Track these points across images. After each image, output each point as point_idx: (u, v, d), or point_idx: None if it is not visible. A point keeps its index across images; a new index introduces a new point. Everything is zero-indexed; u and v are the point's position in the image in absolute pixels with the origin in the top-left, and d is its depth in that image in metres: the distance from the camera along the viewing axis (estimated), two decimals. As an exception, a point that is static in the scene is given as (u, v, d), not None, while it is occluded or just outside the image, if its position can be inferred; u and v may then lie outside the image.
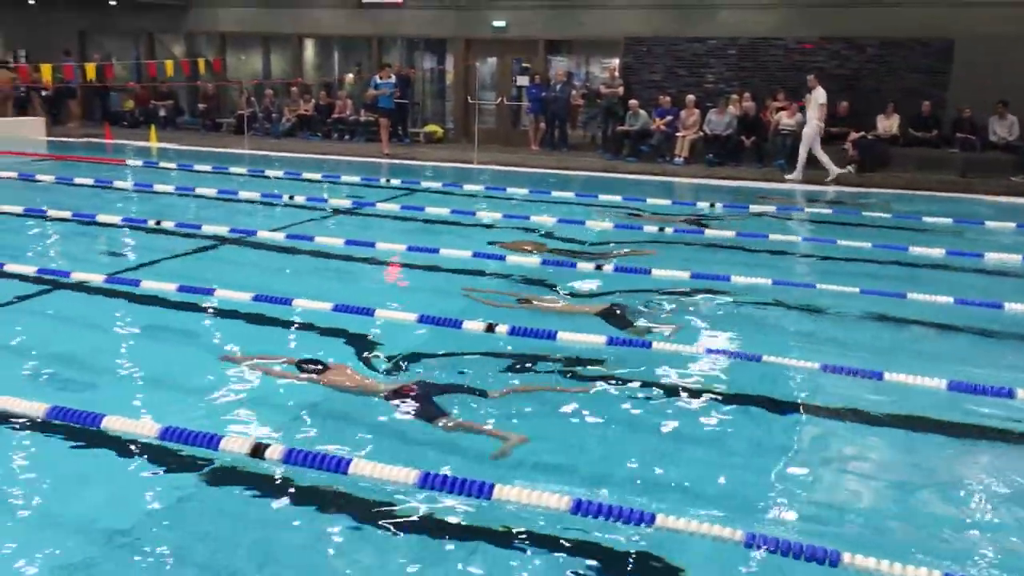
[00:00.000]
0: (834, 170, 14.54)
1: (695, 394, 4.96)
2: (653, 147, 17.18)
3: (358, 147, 18.27)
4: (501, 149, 18.04)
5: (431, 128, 19.89)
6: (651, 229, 9.75)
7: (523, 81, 19.14)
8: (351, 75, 20.97)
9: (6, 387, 4.69)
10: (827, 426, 4.69)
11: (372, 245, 8.47)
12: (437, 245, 8.35)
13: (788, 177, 14.67)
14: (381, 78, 16.87)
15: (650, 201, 11.87)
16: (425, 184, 13.18)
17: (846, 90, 16.65)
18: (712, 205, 11.75)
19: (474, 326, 5.90)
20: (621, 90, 17.64)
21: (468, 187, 12.93)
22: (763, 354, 5.40)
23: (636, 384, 5.10)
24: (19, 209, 9.92)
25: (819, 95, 14.52)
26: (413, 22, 19.82)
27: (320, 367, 5.13)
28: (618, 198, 11.97)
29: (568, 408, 4.75)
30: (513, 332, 5.79)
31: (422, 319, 6.03)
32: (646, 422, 4.62)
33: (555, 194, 12.22)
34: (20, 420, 4.32)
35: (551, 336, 5.72)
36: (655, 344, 5.62)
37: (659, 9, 17.81)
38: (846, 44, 16.77)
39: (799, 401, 4.93)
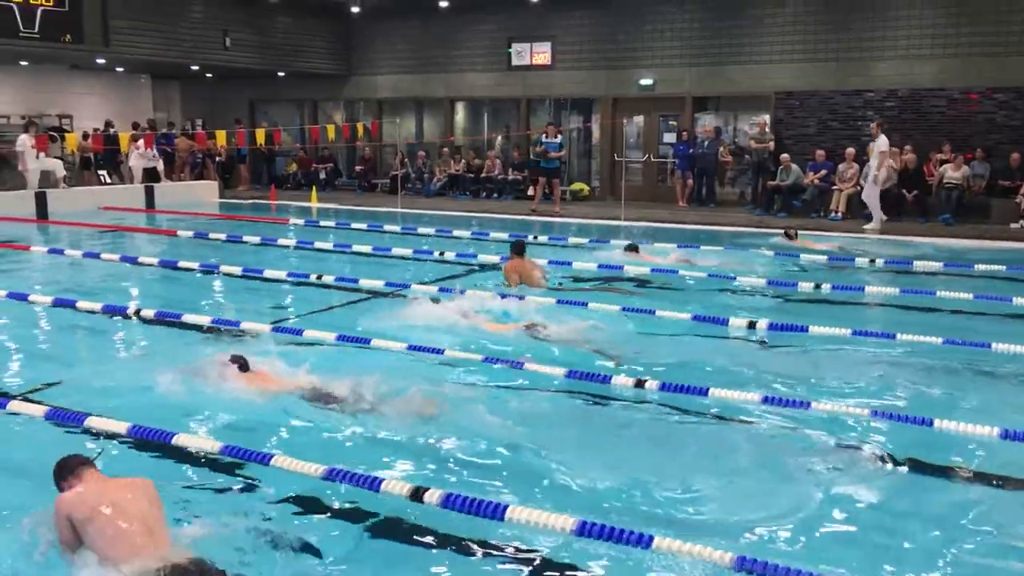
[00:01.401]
0: (879, 222, 14.46)
1: (864, 458, 4.74)
2: (806, 202, 16.74)
3: (506, 205, 18.67)
4: (648, 206, 18.02)
5: (577, 186, 20.12)
6: (806, 287, 9.46)
7: (670, 138, 19.14)
8: (499, 136, 21.54)
9: (184, 426, 5.01)
10: (1005, 497, 4.37)
11: (521, 298, 8.59)
12: (585, 299, 8.39)
13: (867, 227, 14.50)
14: (547, 137, 17.23)
15: (804, 258, 11.53)
16: (572, 240, 13.30)
17: (1018, 142, 15.76)
18: (872, 261, 11.31)
19: (622, 381, 5.88)
20: (772, 144, 17.36)
21: (615, 243, 12.95)
22: (935, 418, 5.12)
23: (802, 445, 4.92)
24: (195, 264, 10.66)
25: (880, 143, 14.40)
26: (562, 82, 20.26)
27: (241, 364, 5.55)
28: (770, 254, 11.70)
29: (725, 465, 4.64)
30: (664, 388, 5.73)
31: (570, 374, 6.05)
32: (815, 483, 4.44)
33: (704, 248, 12.07)
34: (195, 456, 4.60)
35: (704, 392, 5.62)
36: (815, 404, 5.42)
37: (813, 63, 17.49)
38: (1016, 93, 15.91)
39: (974, 469, 4.62)
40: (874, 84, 16.99)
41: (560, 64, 20.18)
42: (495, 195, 20.29)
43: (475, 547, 3.69)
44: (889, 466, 4.64)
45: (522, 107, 21.04)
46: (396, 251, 12.01)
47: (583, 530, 3.61)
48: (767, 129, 17.61)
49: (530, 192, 19.62)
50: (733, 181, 18.86)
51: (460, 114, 22.74)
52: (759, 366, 6.58)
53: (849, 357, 6.69)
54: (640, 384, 5.80)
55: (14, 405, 5.37)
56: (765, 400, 5.50)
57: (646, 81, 19.24)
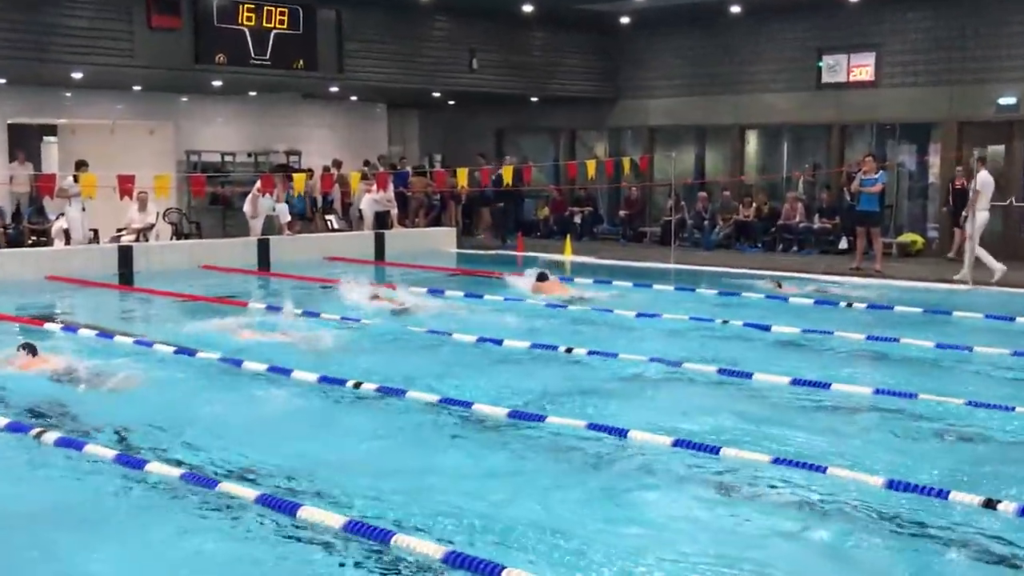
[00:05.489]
0: (969, 271, 14.93)
1: None
2: None
3: (809, 261, 18.19)
4: (1009, 266, 16.78)
5: (907, 237, 19.28)
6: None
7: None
8: (803, 172, 21.12)
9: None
10: None
11: (827, 387, 8.30)
12: (914, 389, 7.96)
13: (955, 278, 15.15)
14: (865, 172, 16.71)
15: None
16: (900, 311, 12.69)
17: None
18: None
19: (965, 498, 5.51)
20: None
21: (959, 314, 12.23)
22: None
23: None
24: (423, 330, 11.20)
25: (979, 180, 15.11)
26: (888, 103, 19.59)
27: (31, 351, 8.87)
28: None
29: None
30: (1024, 515, 5.29)
31: (891, 485, 5.76)
32: None
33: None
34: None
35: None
36: None
37: None
38: None
39: None
40: None
41: (887, 80, 19.56)
42: (795, 248, 19.83)
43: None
44: None
45: (834, 135, 20.56)
46: (668, 317, 12.02)
47: None
48: None
49: (842, 245, 19.04)
50: None
51: (752, 145, 22.57)
52: None
53: None
54: (990, 505, 5.40)
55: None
56: None
57: (1007, 100, 18.16)
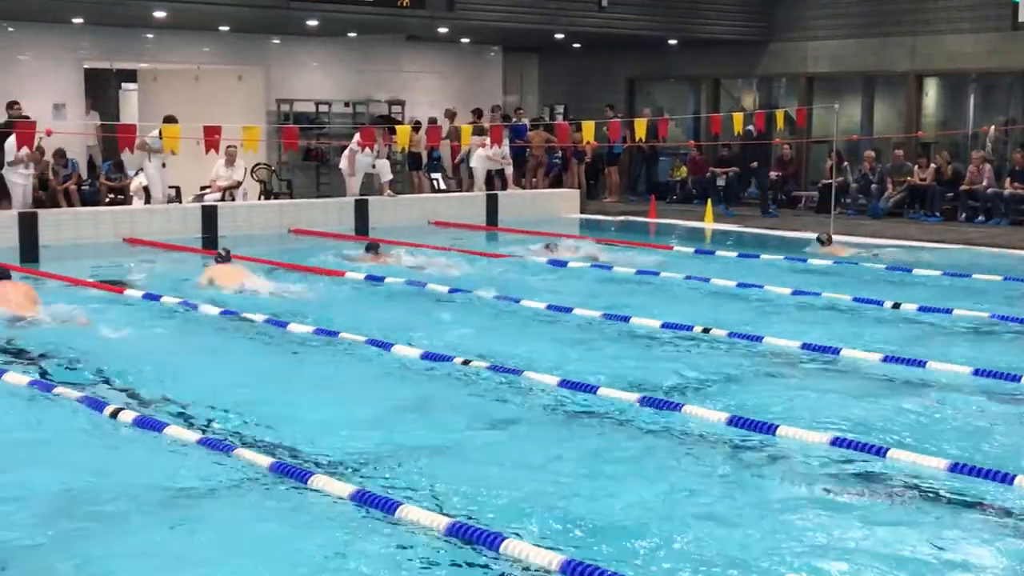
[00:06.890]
0: None
1: None
2: None
3: (996, 233, 17.79)
4: None
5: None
6: None
7: None
8: (992, 128, 20.54)
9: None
10: None
11: (1017, 379, 8.09)
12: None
13: None
14: None
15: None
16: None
17: None
18: None
19: None
20: None
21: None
22: None
23: None
24: (542, 305, 11.28)
25: None
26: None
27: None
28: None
29: None
30: None
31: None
32: None
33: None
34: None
35: None
36: None
37: None
38: None
39: None
40: None
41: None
42: (980, 217, 19.31)
43: None
44: None
45: (1032, 84, 19.97)
46: (827, 296, 11.90)
47: None
48: None
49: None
50: None
51: (931, 96, 22.04)
52: None
53: None
54: None
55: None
56: None
57: None
